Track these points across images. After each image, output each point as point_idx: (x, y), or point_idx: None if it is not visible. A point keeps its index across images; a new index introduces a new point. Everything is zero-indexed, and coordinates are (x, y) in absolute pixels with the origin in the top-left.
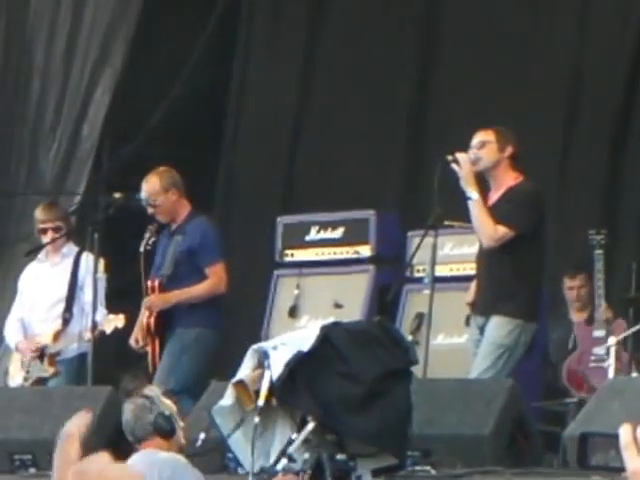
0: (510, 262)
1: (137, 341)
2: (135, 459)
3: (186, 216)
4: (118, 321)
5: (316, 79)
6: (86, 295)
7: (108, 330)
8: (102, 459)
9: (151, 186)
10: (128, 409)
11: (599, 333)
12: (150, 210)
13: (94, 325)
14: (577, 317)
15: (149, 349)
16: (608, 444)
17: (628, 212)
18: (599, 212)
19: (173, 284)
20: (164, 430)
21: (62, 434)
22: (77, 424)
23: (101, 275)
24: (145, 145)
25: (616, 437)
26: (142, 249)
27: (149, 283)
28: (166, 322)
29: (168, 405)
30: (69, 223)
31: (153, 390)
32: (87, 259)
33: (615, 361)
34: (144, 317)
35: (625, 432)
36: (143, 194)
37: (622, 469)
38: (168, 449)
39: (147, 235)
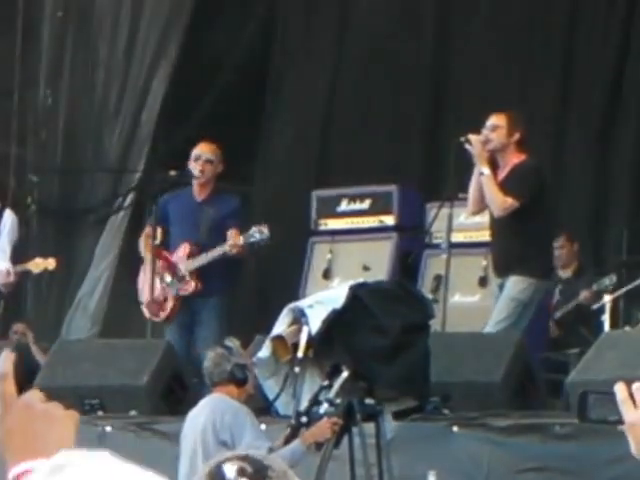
0: (518, 228)
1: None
2: (205, 401)
3: (213, 189)
4: (48, 264)
5: (346, 70)
6: None
7: (36, 270)
8: (37, 394)
9: (210, 148)
10: (209, 357)
11: None
12: (199, 169)
13: None
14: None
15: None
16: (606, 400)
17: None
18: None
19: (204, 251)
20: (238, 379)
21: None
22: (6, 365)
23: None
24: (195, 129)
25: (612, 394)
26: None
27: (182, 249)
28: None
29: (245, 357)
30: None
31: (233, 341)
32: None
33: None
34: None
35: (620, 389)
36: (199, 152)
37: (619, 422)
38: (238, 396)
39: None
